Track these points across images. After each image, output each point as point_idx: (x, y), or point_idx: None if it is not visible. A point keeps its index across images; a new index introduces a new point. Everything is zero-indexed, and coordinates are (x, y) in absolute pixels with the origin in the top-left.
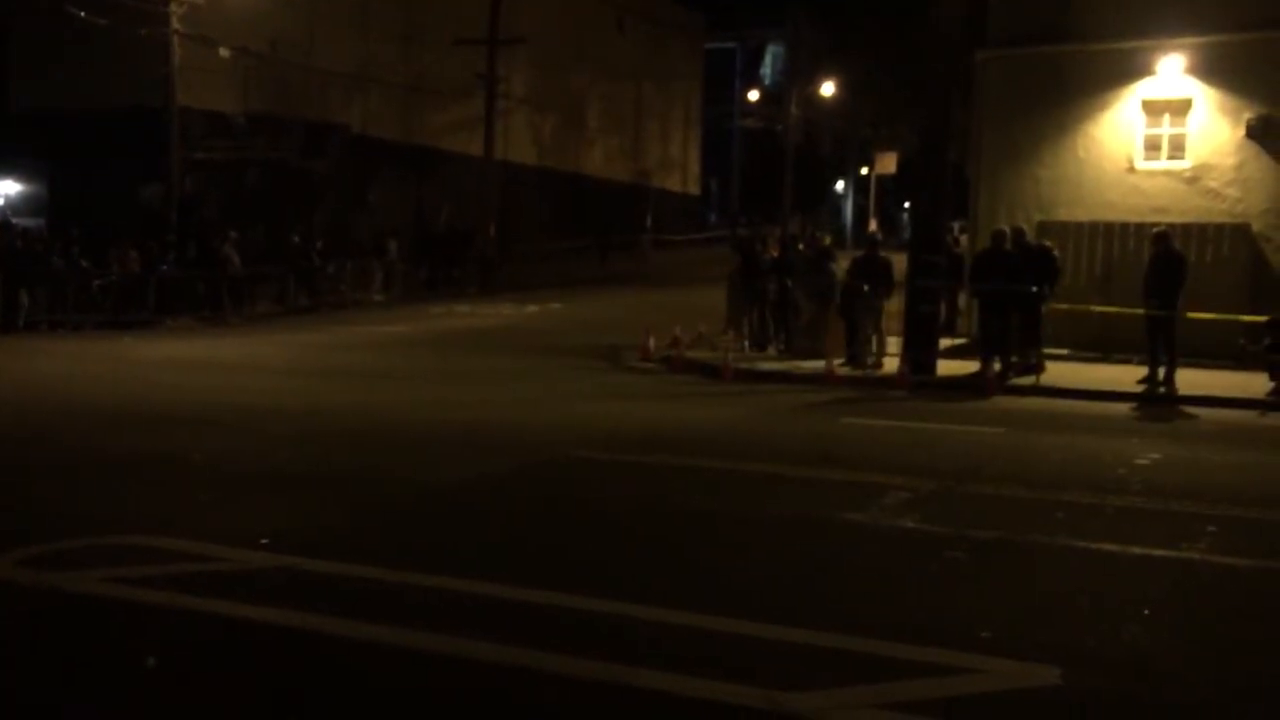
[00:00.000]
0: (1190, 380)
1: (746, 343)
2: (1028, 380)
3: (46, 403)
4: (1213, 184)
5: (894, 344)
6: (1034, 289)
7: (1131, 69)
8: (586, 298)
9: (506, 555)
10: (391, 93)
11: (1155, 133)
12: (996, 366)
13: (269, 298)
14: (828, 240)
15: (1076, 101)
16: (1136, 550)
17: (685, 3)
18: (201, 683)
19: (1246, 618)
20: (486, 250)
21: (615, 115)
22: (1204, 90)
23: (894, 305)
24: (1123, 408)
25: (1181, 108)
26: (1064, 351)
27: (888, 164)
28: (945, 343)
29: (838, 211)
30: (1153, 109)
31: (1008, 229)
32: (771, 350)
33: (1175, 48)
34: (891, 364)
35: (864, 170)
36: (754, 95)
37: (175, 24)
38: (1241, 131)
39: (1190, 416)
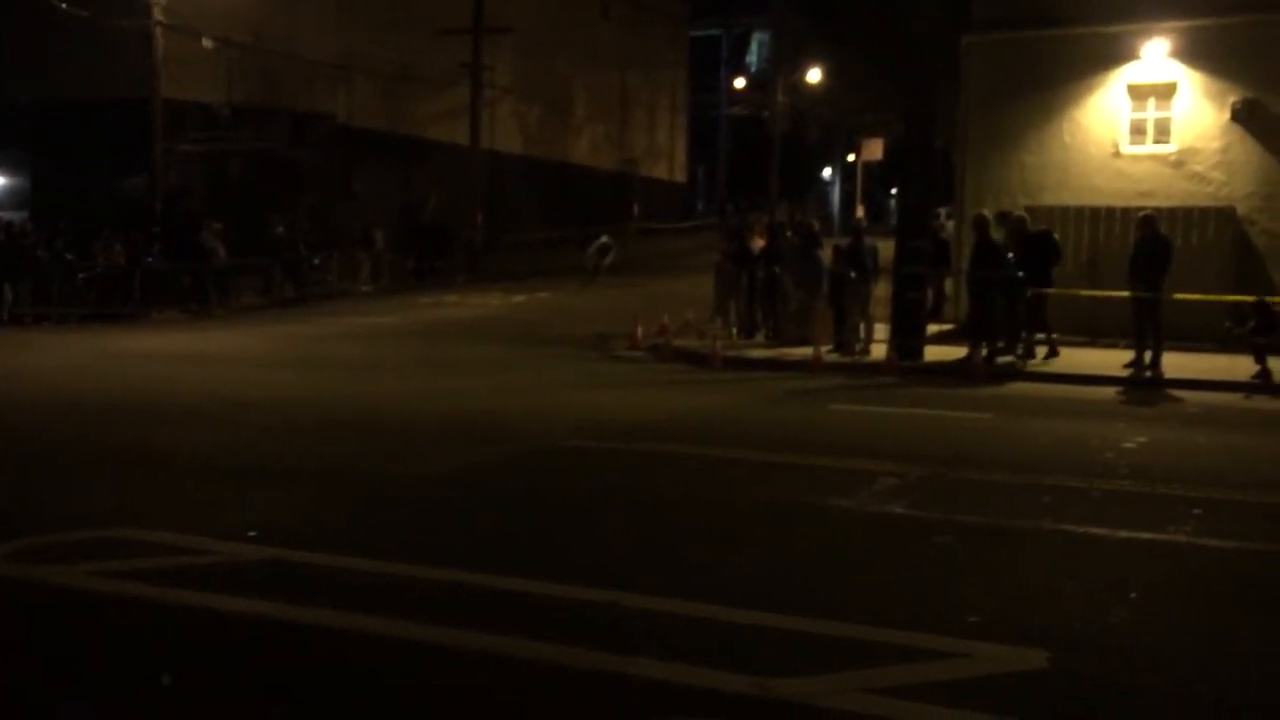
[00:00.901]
0: (1176, 364)
1: (734, 330)
2: (1026, 364)
3: (33, 397)
4: (1198, 168)
5: (882, 330)
6: (1021, 274)
7: (1116, 53)
8: (574, 287)
9: (497, 545)
10: (377, 82)
11: (1140, 117)
12: (984, 351)
13: (255, 289)
14: (816, 226)
15: (1061, 86)
16: (1123, 534)
17: None
18: (191, 676)
19: (1232, 601)
20: (473, 240)
21: (601, 104)
22: (1189, 74)
23: (881, 291)
24: (1109, 391)
25: (1166, 92)
26: (1053, 335)
27: (874, 150)
28: (933, 328)
29: (825, 198)
30: (1138, 93)
31: (990, 215)
32: (759, 338)
33: (1159, 31)
34: (879, 350)
35: (850, 157)
36: (740, 83)
37: (158, 15)
38: (1226, 115)
39: (1176, 400)
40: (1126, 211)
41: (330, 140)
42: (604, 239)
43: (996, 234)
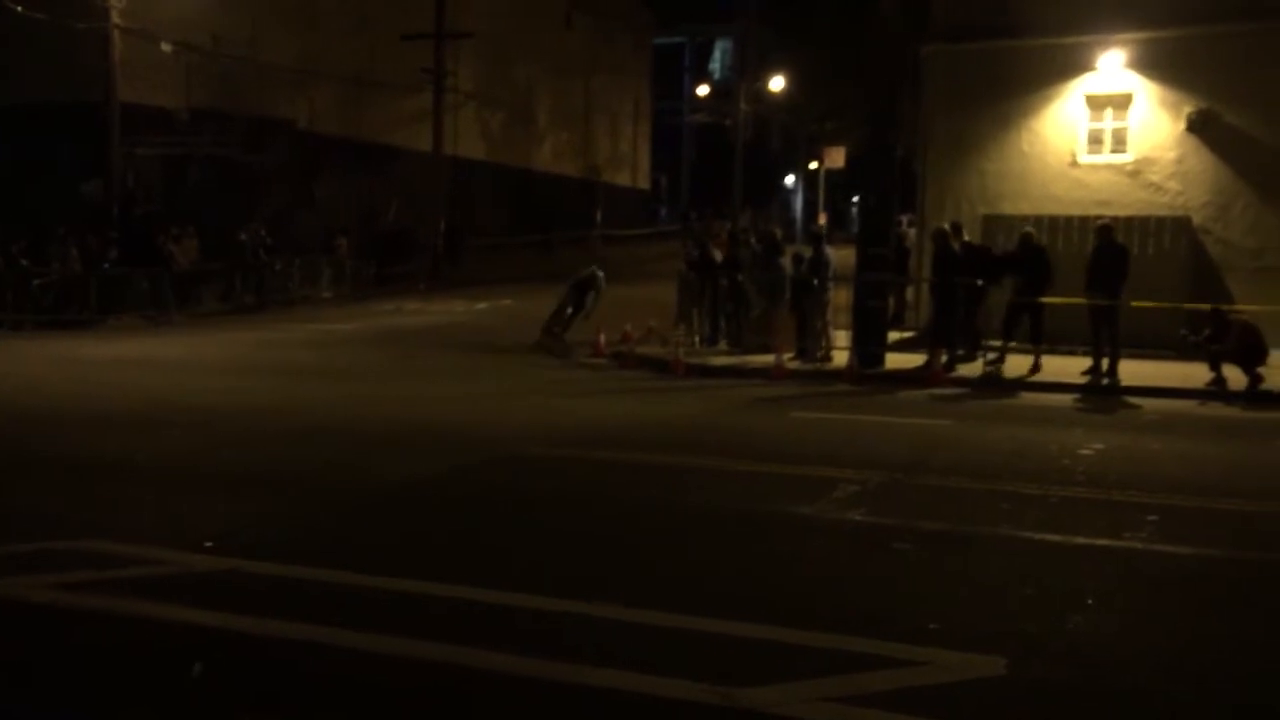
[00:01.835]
0: (1133, 371)
1: (697, 338)
2: (979, 371)
3: None
4: (1154, 177)
5: (844, 337)
6: (980, 282)
7: (1073, 64)
8: (538, 293)
9: (454, 555)
10: (338, 88)
11: (1098, 127)
12: (944, 358)
13: (215, 295)
14: (779, 234)
15: (1020, 96)
16: (1080, 540)
17: None
18: (142, 688)
19: (1186, 606)
20: (436, 246)
21: (565, 111)
22: (1145, 85)
23: (843, 299)
24: (1067, 399)
25: (1123, 102)
26: (1011, 344)
27: (836, 158)
28: (894, 336)
29: (787, 206)
30: (1095, 103)
31: (949, 226)
32: (722, 345)
33: (1116, 43)
34: (841, 358)
35: (813, 165)
36: (703, 90)
37: (115, 18)
38: (1182, 125)
39: (1133, 407)
40: (1084, 220)
41: (291, 145)
42: (594, 274)
43: (956, 243)
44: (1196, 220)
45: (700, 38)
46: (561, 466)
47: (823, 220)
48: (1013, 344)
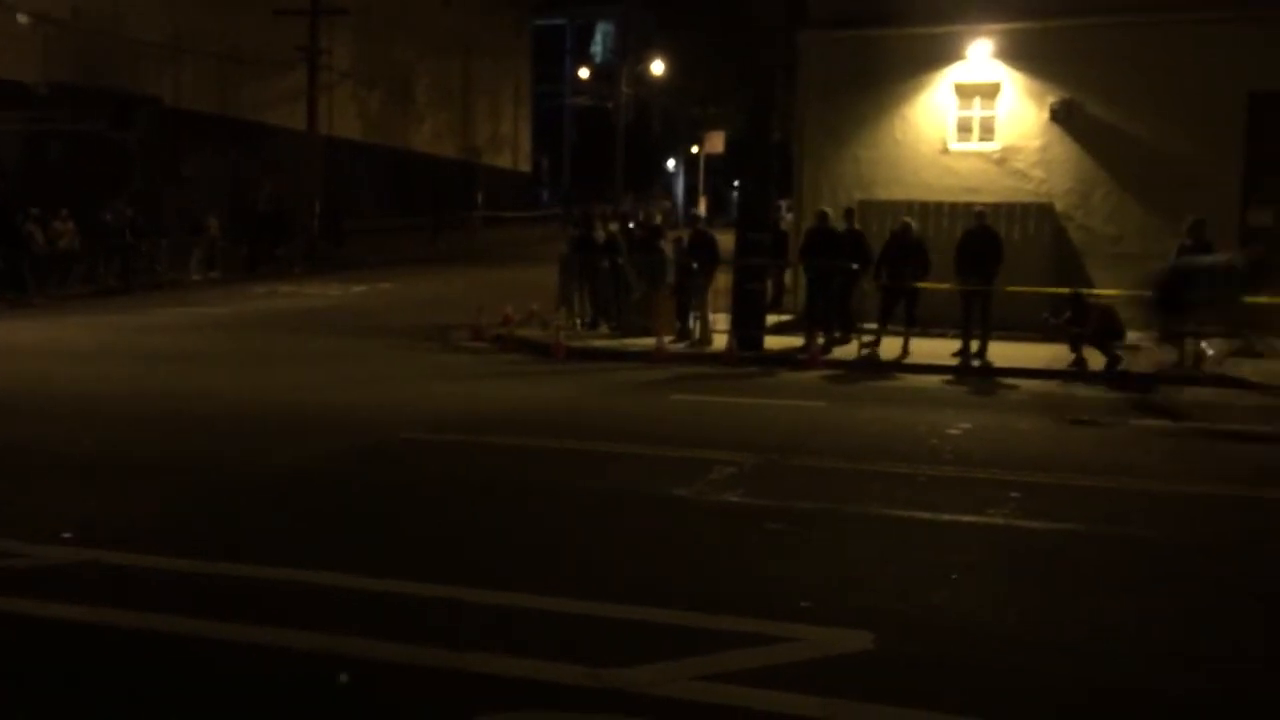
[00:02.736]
0: (1000, 353)
1: (579, 321)
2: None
3: None
4: (1019, 165)
5: (723, 320)
6: (855, 266)
7: (944, 53)
8: (417, 277)
9: (331, 542)
10: (207, 63)
11: (967, 115)
12: (820, 341)
13: (78, 277)
14: (659, 219)
15: (893, 84)
16: (946, 517)
17: None
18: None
19: (1046, 580)
20: (311, 228)
21: (444, 91)
22: (1011, 75)
23: (722, 282)
24: (939, 380)
25: (991, 91)
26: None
27: (716, 143)
28: (772, 319)
29: (669, 190)
30: (964, 92)
31: (830, 210)
32: (603, 328)
33: (984, 33)
34: (721, 340)
35: (694, 149)
36: (584, 73)
37: None
38: (1046, 115)
39: (1001, 387)
40: (954, 207)
41: (156, 122)
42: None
43: (842, 226)
44: (1059, 207)
45: (581, 20)
46: (442, 451)
47: (702, 206)
48: (888, 327)
